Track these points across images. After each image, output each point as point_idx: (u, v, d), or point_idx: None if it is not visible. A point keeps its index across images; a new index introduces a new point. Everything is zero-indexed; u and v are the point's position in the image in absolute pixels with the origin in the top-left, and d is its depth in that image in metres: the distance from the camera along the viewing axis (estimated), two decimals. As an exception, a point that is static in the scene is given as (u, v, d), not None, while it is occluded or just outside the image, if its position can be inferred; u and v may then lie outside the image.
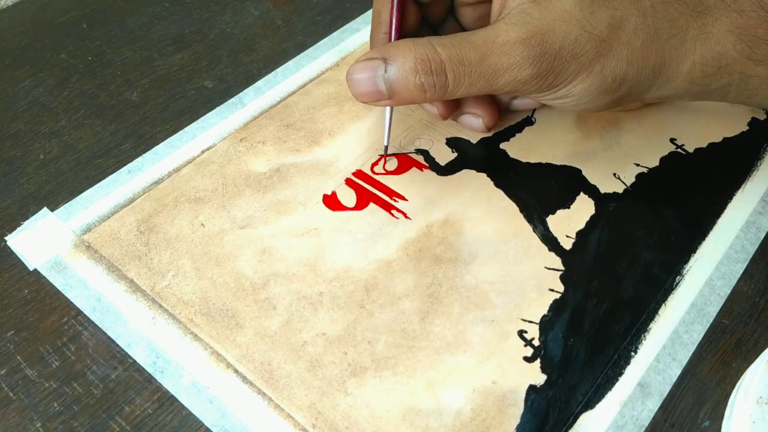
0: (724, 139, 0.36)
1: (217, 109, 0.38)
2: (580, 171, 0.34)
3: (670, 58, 0.29)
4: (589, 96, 0.29)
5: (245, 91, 0.39)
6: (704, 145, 0.36)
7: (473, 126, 0.36)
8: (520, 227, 0.32)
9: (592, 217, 0.32)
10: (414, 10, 0.33)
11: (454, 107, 0.35)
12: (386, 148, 0.35)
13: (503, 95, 0.36)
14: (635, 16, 0.28)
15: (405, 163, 0.35)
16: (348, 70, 0.30)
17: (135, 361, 0.28)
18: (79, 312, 0.30)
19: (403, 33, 0.33)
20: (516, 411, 0.26)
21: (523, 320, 0.29)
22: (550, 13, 0.28)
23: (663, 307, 0.29)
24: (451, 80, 0.29)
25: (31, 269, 0.31)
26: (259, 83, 0.40)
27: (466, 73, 0.28)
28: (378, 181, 0.34)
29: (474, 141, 0.36)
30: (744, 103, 0.35)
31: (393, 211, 0.33)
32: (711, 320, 0.29)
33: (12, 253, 0.32)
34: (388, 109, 0.34)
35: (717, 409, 0.27)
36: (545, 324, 0.29)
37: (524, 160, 0.35)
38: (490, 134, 0.36)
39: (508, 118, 0.37)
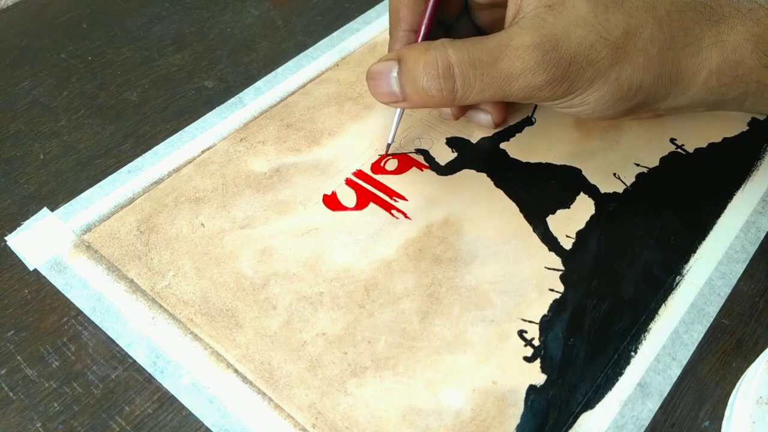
0: (724, 139, 0.36)
1: (217, 109, 0.38)
2: (580, 171, 0.34)
3: (686, 66, 0.28)
4: (605, 104, 0.29)
5: (245, 91, 0.39)
6: (704, 145, 0.36)
7: (482, 122, 0.36)
8: (520, 227, 0.32)
9: (592, 217, 0.32)
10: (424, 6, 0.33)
11: (466, 108, 0.35)
12: (389, 145, 0.35)
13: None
14: (650, 24, 0.28)
15: (405, 163, 0.35)
16: (367, 71, 0.30)
17: (135, 361, 0.28)
18: (79, 312, 0.30)
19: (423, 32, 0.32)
20: (516, 411, 0.26)
21: (523, 320, 0.29)
22: (564, 18, 0.27)
23: (663, 307, 0.29)
24: (460, 85, 0.28)
25: (31, 269, 0.31)
26: (259, 83, 0.40)
27: (478, 77, 0.28)
28: (378, 181, 0.34)
29: (474, 141, 0.36)
30: (760, 113, 0.34)
31: (393, 211, 0.33)
32: (711, 320, 0.29)
33: (12, 253, 0.32)
34: (398, 109, 0.34)
35: (717, 409, 0.27)
36: (545, 324, 0.29)
37: (524, 160, 0.35)
38: (490, 134, 0.36)
39: (509, 118, 0.37)
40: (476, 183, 0.34)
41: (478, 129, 0.37)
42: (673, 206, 0.33)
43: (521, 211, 0.33)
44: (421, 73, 0.28)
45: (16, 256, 0.32)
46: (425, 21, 0.32)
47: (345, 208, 0.33)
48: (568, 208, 0.33)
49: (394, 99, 0.30)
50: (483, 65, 0.27)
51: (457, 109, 0.34)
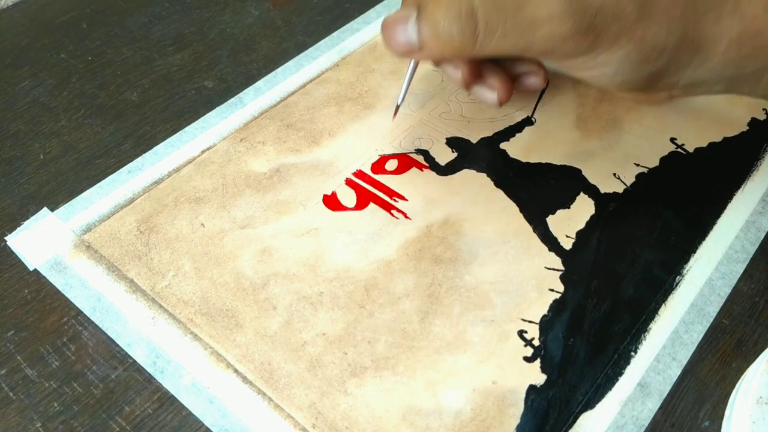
0: (724, 139, 0.36)
1: (217, 109, 0.38)
2: (580, 171, 0.34)
3: (707, 33, 0.28)
4: (629, 64, 0.28)
5: (245, 91, 0.39)
6: (704, 145, 0.36)
7: (486, 99, 0.35)
8: (520, 227, 0.32)
9: (592, 217, 0.32)
10: None
11: (477, 73, 0.33)
12: (398, 107, 0.34)
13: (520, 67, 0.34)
14: None
15: (405, 163, 0.35)
16: (382, 21, 0.30)
17: (135, 361, 0.28)
18: (79, 312, 0.30)
19: None
20: (516, 411, 0.26)
21: (523, 320, 0.29)
22: None
23: (663, 307, 0.29)
24: (482, 27, 0.27)
25: (31, 269, 0.31)
26: (259, 83, 0.40)
27: (501, 20, 0.27)
28: (378, 181, 0.34)
29: (474, 141, 0.36)
30: None
31: (393, 211, 0.33)
32: (711, 320, 0.29)
33: (12, 253, 0.32)
34: (411, 63, 0.33)
35: (717, 409, 0.27)
36: (545, 324, 0.29)
37: (524, 160, 0.35)
38: (490, 134, 0.36)
39: (508, 118, 0.37)
40: (476, 183, 0.34)
41: (478, 128, 0.37)
42: (673, 206, 0.33)
43: (521, 211, 0.33)
44: (442, 14, 0.28)
45: (16, 256, 0.32)
46: None
47: (345, 208, 0.33)
48: (568, 208, 0.33)
49: (409, 48, 0.29)
50: (507, 10, 0.27)
51: (468, 73, 0.33)
